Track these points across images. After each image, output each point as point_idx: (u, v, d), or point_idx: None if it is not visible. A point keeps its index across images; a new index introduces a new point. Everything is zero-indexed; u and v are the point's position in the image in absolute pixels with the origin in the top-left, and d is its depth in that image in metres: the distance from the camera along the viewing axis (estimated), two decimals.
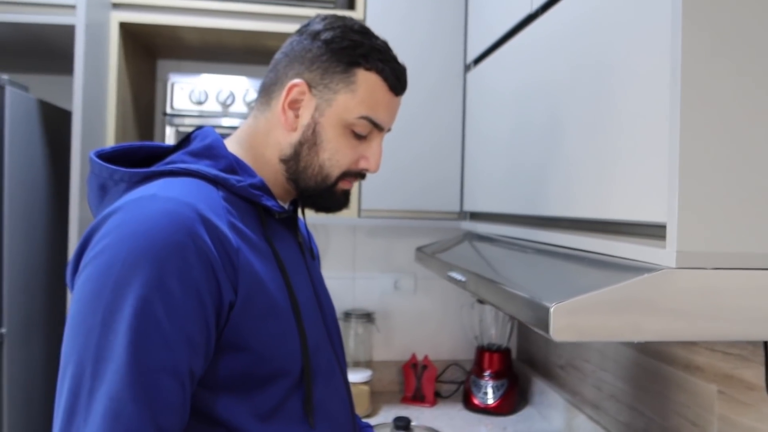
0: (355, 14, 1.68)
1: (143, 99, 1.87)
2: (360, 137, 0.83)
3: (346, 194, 0.87)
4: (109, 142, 1.60)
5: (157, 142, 0.84)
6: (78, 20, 1.46)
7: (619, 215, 0.82)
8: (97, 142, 1.56)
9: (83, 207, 1.49)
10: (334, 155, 0.82)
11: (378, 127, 0.83)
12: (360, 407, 1.78)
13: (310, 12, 1.66)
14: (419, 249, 1.56)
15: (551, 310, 0.67)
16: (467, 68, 1.69)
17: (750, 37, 0.70)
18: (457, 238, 1.58)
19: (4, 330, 1.37)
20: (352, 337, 1.95)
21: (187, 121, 1.67)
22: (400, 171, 1.68)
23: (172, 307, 0.63)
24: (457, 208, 1.71)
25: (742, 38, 0.69)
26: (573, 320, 0.67)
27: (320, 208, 0.87)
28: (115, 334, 0.62)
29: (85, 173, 1.50)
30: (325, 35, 0.81)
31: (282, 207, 0.82)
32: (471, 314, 1.98)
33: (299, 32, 0.85)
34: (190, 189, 0.71)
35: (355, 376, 1.79)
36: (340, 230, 2.05)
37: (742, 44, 0.69)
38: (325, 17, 0.84)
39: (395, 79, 0.83)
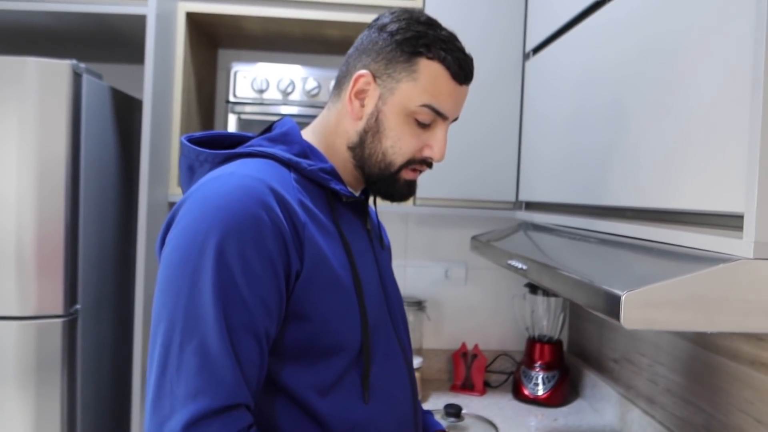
0: (414, 3, 1.69)
1: (206, 87, 1.93)
2: (423, 126, 0.85)
3: (410, 185, 0.89)
4: (175, 129, 1.66)
5: (241, 132, 0.91)
6: (149, 10, 1.51)
7: (690, 205, 0.81)
8: (164, 130, 1.62)
9: (152, 191, 1.55)
10: (396, 143, 0.84)
11: (441, 116, 0.85)
12: None
13: (369, 1, 1.68)
14: (474, 238, 1.56)
15: (623, 298, 0.67)
16: (526, 57, 1.68)
17: None
18: (512, 228, 1.58)
19: (79, 306, 1.45)
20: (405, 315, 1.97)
21: (248, 108, 1.71)
22: (456, 159, 1.69)
23: (249, 272, 0.69)
24: (512, 198, 1.71)
25: None
26: (645, 309, 0.67)
27: (385, 195, 0.90)
28: (201, 295, 0.68)
29: (156, 160, 1.56)
30: (391, 27, 0.84)
31: (350, 192, 0.86)
32: (522, 305, 1.98)
33: (369, 26, 0.89)
34: (265, 168, 0.77)
35: None
36: (392, 218, 2.07)
37: None
38: (394, 11, 0.87)
39: (458, 67, 0.84)
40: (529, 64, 1.64)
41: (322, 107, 1.69)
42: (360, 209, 0.91)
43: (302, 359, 0.76)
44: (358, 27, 1.74)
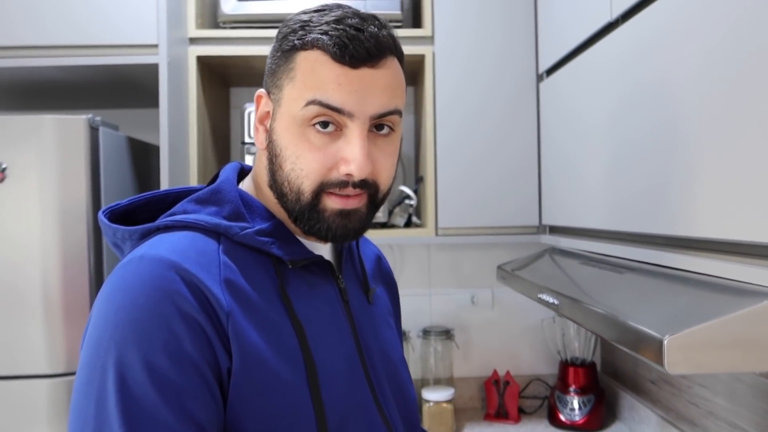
0: (423, 32, 1.68)
1: (220, 127, 1.94)
2: (327, 134, 0.65)
3: (346, 216, 0.68)
4: (192, 172, 1.66)
5: (190, 186, 0.78)
6: (161, 59, 1.52)
7: (741, 236, 0.77)
8: (181, 173, 1.62)
9: None
10: (295, 163, 0.66)
11: (337, 111, 0.64)
12: (444, 426, 1.77)
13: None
14: (500, 267, 1.53)
15: (665, 342, 0.64)
16: (540, 78, 1.66)
17: None
18: (538, 254, 1.55)
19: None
20: (432, 355, 1.94)
21: None
22: (475, 186, 1.66)
23: (165, 387, 0.56)
24: (535, 222, 1.68)
25: None
26: (689, 352, 0.64)
27: (320, 235, 0.69)
28: (110, 415, 0.55)
29: None
30: (278, 31, 0.70)
31: (298, 253, 0.70)
32: (552, 328, 1.93)
33: None
34: (181, 244, 0.64)
35: (437, 395, 1.78)
36: (413, 246, 2.04)
37: None
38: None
39: (341, 46, 0.63)
40: (543, 85, 1.62)
41: None
42: (323, 266, 0.73)
43: None
44: None
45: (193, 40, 1.68)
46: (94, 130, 1.42)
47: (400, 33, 1.72)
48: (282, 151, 0.66)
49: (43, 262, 1.36)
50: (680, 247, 0.93)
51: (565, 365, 1.86)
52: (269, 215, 0.71)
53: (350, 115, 0.65)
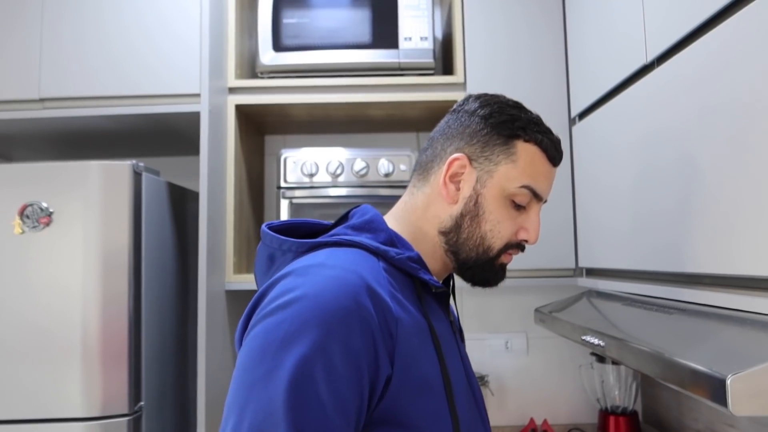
0: (455, 78, 1.72)
1: (255, 174, 1.98)
2: (519, 208, 0.83)
3: (504, 268, 0.86)
4: (229, 218, 1.69)
5: (316, 220, 0.89)
6: (202, 107, 1.58)
7: None
8: (219, 219, 1.65)
9: (210, 281, 1.57)
10: (496, 226, 0.82)
11: (537, 197, 0.83)
12: None
13: (412, 80, 1.72)
14: (538, 310, 1.51)
15: (728, 381, 0.62)
16: (572, 122, 1.67)
17: None
18: (576, 296, 1.52)
19: (143, 403, 1.45)
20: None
21: (298, 193, 1.74)
22: None
23: (331, 372, 0.63)
24: (572, 264, 1.66)
25: None
26: (755, 392, 0.62)
27: (478, 281, 0.86)
28: (276, 391, 0.62)
29: (211, 249, 1.58)
30: (483, 111, 0.84)
31: (438, 282, 0.81)
32: (591, 374, 1.88)
33: (454, 111, 0.88)
34: (355, 258, 0.73)
35: None
36: None
37: None
38: (479, 96, 0.87)
39: (554, 149, 0.84)
40: (576, 129, 1.63)
41: (371, 186, 1.73)
42: (444, 300, 0.86)
43: None
44: (401, 106, 1.78)
45: (232, 90, 1.74)
46: (137, 176, 1.46)
47: (432, 80, 1.77)
48: (485, 213, 0.82)
49: (84, 308, 1.39)
50: (726, 285, 0.91)
51: (605, 414, 1.80)
52: (412, 248, 0.81)
53: (540, 200, 0.84)
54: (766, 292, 0.81)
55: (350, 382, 0.64)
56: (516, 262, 1.65)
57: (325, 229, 0.87)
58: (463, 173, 0.83)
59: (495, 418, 1.98)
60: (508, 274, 1.65)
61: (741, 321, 0.80)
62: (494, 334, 2.02)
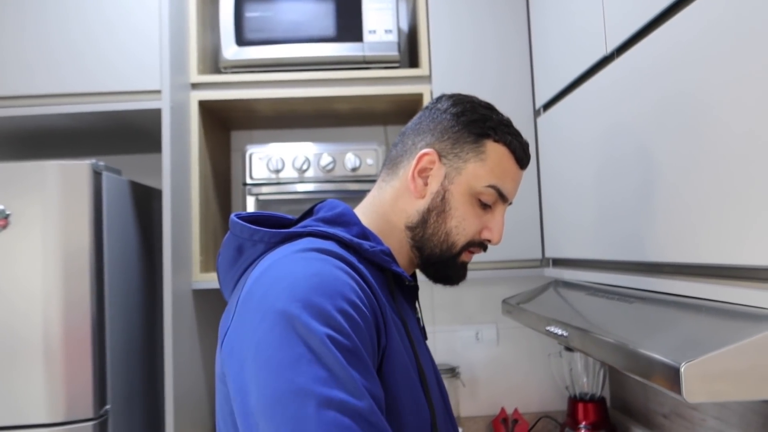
0: (421, 71, 1.72)
1: (221, 171, 1.95)
2: (485, 207, 0.84)
3: (465, 267, 0.88)
4: (194, 216, 1.67)
5: (283, 214, 0.88)
6: (164, 104, 1.55)
7: (743, 260, 0.78)
8: (183, 217, 1.62)
9: (176, 280, 1.55)
10: (461, 223, 0.83)
11: (503, 198, 0.85)
12: None
13: (377, 74, 1.71)
14: (505, 301, 1.53)
15: (682, 369, 0.64)
16: (537, 114, 1.69)
17: None
18: (542, 287, 1.54)
19: (108, 406, 1.42)
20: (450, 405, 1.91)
21: (265, 189, 1.72)
22: None
23: (354, 337, 0.62)
24: (538, 255, 1.68)
25: None
26: (708, 379, 0.64)
27: (440, 278, 0.87)
28: (327, 352, 0.59)
29: (177, 248, 1.56)
30: (455, 109, 0.85)
31: (409, 276, 0.82)
32: (560, 362, 1.91)
33: (427, 108, 0.89)
34: (333, 247, 0.73)
35: None
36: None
37: None
38: (452, 95, 0.88)
39: (522, 152, 0.86)
40: (540, 120, 1.65)
41: (338, 182, 1.72)
42: (413, 295, 0.87)
43: None
44: (367, 99, 1.77)
45: (195, 86, 1.71)
46: (97, 175, 1.43)
47: (397, 73, 1.76)
48: (451, 210, 0.83)
49: (44, 311, 1.35)
50: (687, 274, 0.93)
51: (574, 401, 1.83)
52: (382, 242, 0.82)
53: (505, 201, 0.86)
54: (723, 280, 0.83)
55: (365, 350, 0.63)
56: (485, 255, 1.66)
57: (291, 223, 0.86)
58: (431, 168, 0.83)
59: (467, 408, 1.99)
60: (477, 266, 1.68)
61: (698, 309, 0.81)
62: (465, 325, 2.03)
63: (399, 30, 1.75)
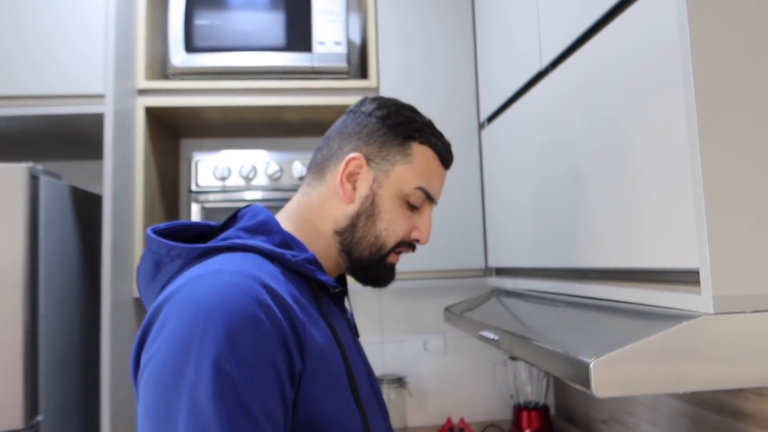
0: (369, 83, 1.74)
1: (168, 178, 1.93)
2: (413, 208, 0.85)
3: (393, 268, 0.88)
4: (138, 222, 1.64)
5: (205, 221, 0.85)
6: (107, 109, 1.53)
7: (650, 263, 0.82)
8: (126, 224, 1.60)
9: (115, 289, 1.52)
10: (390, 225, 0.84)
11: (430, 199, 0.87)
12: None
13: (327, 84, 1.73)
14: (447, 309, 1.55)
15: (591, 365, 0.66)
16: (481, 126, 1.73)
17: (765, 73, 0.71)
18: (484, 296, 1.57)
19: (40, 417, 1.38)
20: (385, 403, 1.91)
21: (211, 197, 1.71)
22: None
23: (252, 380, 0.61)
24: (482, 265, 1.71)
25: (756, 75, 0.71)
26: (615, 374, 0.66)
27: (370, 280, 0.88)
28: (204, 411, 0.59)
29: (118, 255, 1.53)
30: (379, 112, 0.85)
31: (335, 282, 0.81)
32: (505, 372, 1.94)
33: (351, 112, 0.89)
34: (253, 262, 0.70)
35: None
36: (366, 294, 2.04)
37: (758, 81, 0.71)
38: (375, 99, 0.89)
39: (446, 152, 0.88)
40: (484, 133, 1.69)
41: (285, 190, 1.72)
42: (340, 299, 0.87)
43: None
44: (316, 110, 1.78)
45: (142, 92, 1.69)
46: (34, 179, 1.40)
47: (345, 84, 1.78)
48: (380, 213, 0.83)
49: None
50: (606, 279, 0.97)
51: (518, 409, 1.86)
52: (307, 249, 0.80)
53: (432, 201, 0.88)
54: (634, 283, 0.87)
55: (272, 388, 0.63)
56: (429, 264, 1.69)
57: (213, 230, 0.84)
58: (359, 173, 0.84)
59: (414, 418, 2.00)
60: (423, 275, 1.70)
61: (614, 310, 0.85)
62: (413, 335, 2.05)
63: (349, 42, 1.78)
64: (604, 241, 0.94)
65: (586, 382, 0.67)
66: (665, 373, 0.67)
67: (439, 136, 0.88)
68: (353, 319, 0.94)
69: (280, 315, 0.65)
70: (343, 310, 0.87)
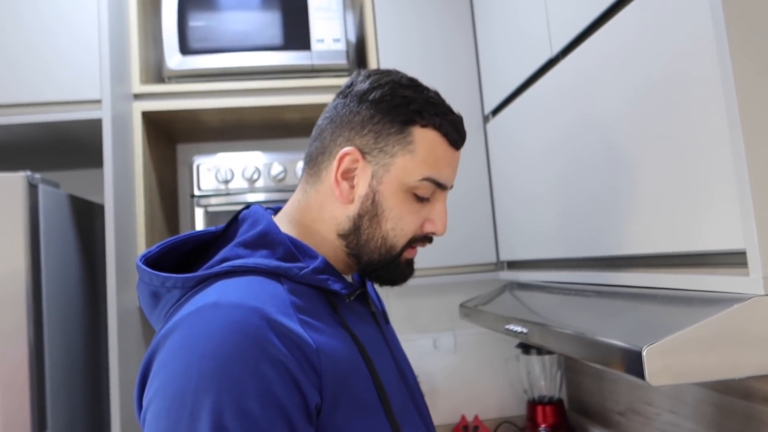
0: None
1: (167, 183, 1.89)
2: (422, 200, 0.75)
3: (411, 264, 0.79)
4: (140, 229, 1.60)
5: (202, 229, 0.78)
6: (104, 114, 1.49)
7: (693, 246, 0.79)
8: (128, 232, 1.56)
9: (120, 298, 1.47)
10: (398, 224, 0.74)
11: (441, 187, 0.76)
12: None
13: (326, 82, 1.70)
14: (463, 305, 1.52)
15: (644, 352, 0.64)
16: (486, 119, 1.71)
17: None
18: (498, 289, 1.55)
19: (48, 431, 1.33)
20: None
21: (214, 200, 1.67)
22: None
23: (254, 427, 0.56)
24: (493, 259, 1.68)
25: None
26: (668, 362, 0.64)
27: (385, 281, 0.78)
28: None
29: (122, 264, 1.49)
30: (373, 95, 0.73)
31: (350, 286, 0.74)
32: (517, 367, 1.92)
33: (343, 94, 0.77)
34: (253, 289, 0.64)
35: None
36: None
37: None
38: (369, 74, 0.76)
39: (455, 132, 0.75)
40: (489, 126, 1.67)
41: (289, 191, 1.68)
42: (362, 296, 0.80)
43: None
44: (316, 108, 1.75)
45: (138, 96, 1.65)
46: (33, 188, 1.35)
47: (346, 81, 1.75)
48: (385, 212, 0.73)
49: None
50: (638, 266, 0.94)
51: (532, 404, 1.83)
52: (315, 253, 0.73)
53: (444, 188, 0.76)
54: (672, 269, 0.85)
55: (275, 430, 0.57)
56: (440, 260, 1.67)
57: (212, 239, 0.77)
58: (355, 169, 0.74)
59: None
60: (433, 271, 1.67)
61: (652, 298, 0.82)
62: (422, 334, 2.02)
63: (347, 39, 1.75)
64: (635, 227, 0.92)
65: (639, 371, 0.64)
66: (720, 359, 0.65)
67: (444, 113, 0.74)
68: (383, 306, 0.88)
69: (285, 351, 0.59)
70: (367, 303, 0.80)
